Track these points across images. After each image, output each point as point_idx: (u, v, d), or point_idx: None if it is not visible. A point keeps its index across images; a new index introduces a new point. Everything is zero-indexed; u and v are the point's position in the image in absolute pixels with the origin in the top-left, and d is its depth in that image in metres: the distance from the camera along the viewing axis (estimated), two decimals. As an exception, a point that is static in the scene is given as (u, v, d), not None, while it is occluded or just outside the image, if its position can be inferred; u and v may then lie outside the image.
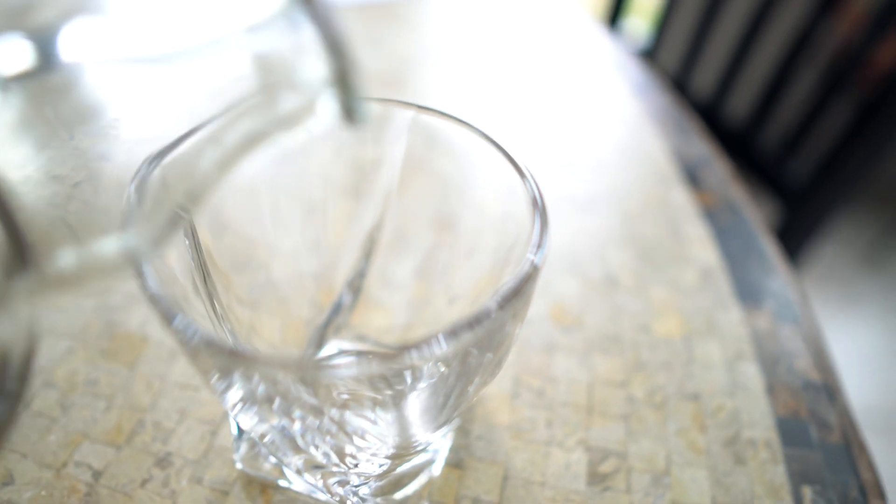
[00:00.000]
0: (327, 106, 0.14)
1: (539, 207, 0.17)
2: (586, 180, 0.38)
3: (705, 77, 0.81)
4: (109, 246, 0.14)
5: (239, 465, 0.24)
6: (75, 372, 0.27)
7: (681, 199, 0.37)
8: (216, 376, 0.16)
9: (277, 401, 0.16)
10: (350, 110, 0.14)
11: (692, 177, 0.39)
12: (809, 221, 0.77)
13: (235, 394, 0.16)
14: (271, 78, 0.14)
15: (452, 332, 0.14)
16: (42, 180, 0.13)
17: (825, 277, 1.32)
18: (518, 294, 0.15)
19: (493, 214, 0.22)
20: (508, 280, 0.17)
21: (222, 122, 0.14)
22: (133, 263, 0.15)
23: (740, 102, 0.80)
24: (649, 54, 0.87)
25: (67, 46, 0.12)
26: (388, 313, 0.27)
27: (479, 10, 0.58)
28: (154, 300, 0.15)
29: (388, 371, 0.15)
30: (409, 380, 0.16)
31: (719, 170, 0.40)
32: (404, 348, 0.14)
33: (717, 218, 0.36)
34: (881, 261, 1.37)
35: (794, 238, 0.78)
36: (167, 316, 0.14)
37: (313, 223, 0.26)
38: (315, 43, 0.13)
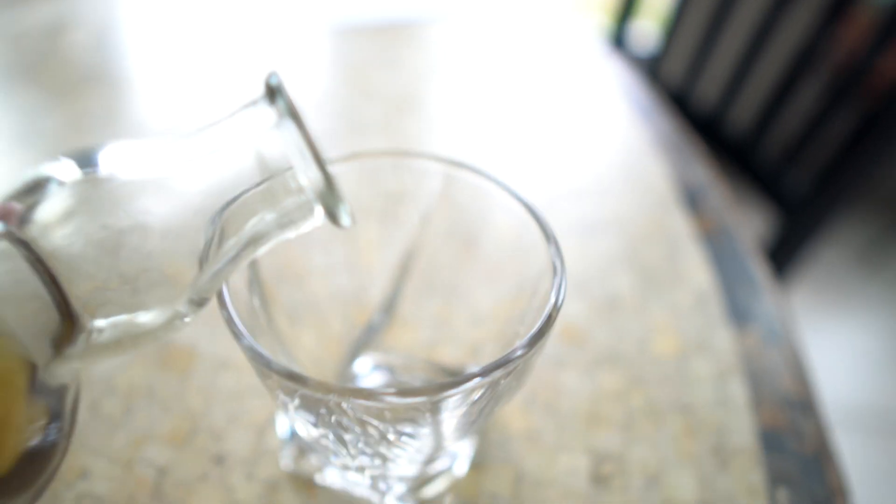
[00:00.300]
0: (319, 210, 0.17)
1: (558, 270, 0.21)
2: (592, 205, 0.41)
3: (711, 83, 0.83)
4: (153, 316, 0.16)
5: (285, 465, 0.27)
6: (134, 381, 0.30)
7: (680, 223, 0.40)
8: (282, 393, 0.19)
9: (333, 416, 0.19)
10: (333, 215, 0.17)
11: (692, 202, 0.42)
12: (808, 229, 0.80)
13: (297, 407, 0.19)
14: (270, 179, 0.16)
15: (487, 371, 0.18)
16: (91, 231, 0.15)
17: (823, 279, 1.35)
18: (542, 336, 0.19)
19: (512, 245, 0.25)
20: (534, 319, 0.20)
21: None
22: (217, 296, 0.18)
23: (744, 110, 0.82)
24: (657, 59, 0.90)
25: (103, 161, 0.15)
26: (415, 331, 0.30)
27: (489, 33, 0.61)
28: (238, 335, 0.18)
29: (429, 401, 0.18)
30: (446, 406, 0.19)
31: (717, 195, 0.43)
32: (446, 384, 0.18)
33: (713, 242, 0.39)
34: (878, 263, 1.40)
35: (793, 245, 0.81)
36: (250, 350, 0.18)
37: (346, 244, 0.29)
38: (301, 155, 0.16)
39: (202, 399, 0.30)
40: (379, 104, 0.50)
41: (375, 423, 0.19)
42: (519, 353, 0.18)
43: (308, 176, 0.16)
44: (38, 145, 0.44)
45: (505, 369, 0.18)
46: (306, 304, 0.27)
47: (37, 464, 0.16)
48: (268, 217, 0.16)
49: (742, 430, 0.30)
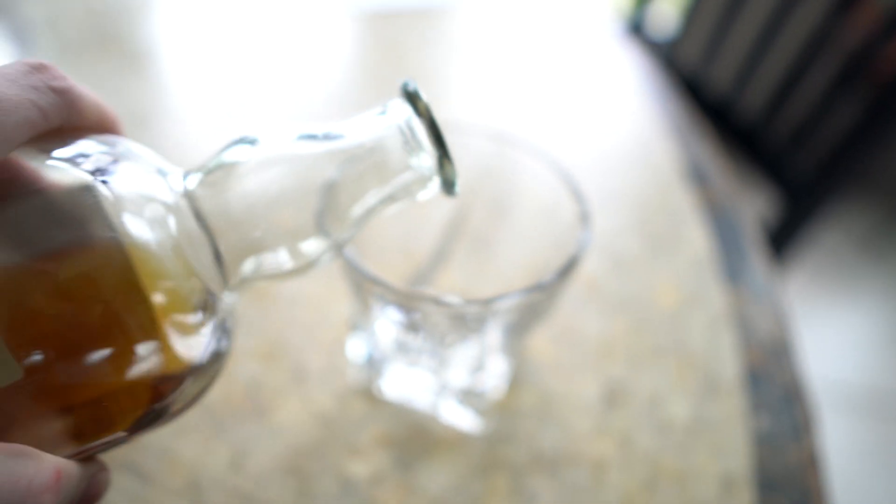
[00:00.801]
0: (434, 182, 0.22)
1: (586, 220, 0.27)
2: (606, 179, 0.47)
3: (725, 67, 0.88)
4: (301, 256, 0.22)
5: (353, 381, 0.33)
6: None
7: (684, 196, 0.46)
8: (375, 299, 0.25)
9: (414, 315, 0.25)
10: (447, 186, 0.22)
11: (696, 178, 0.48)
12: (810, 212, 0.84)
13: (388, 307, 0.25)
14: (382, 157, 0.21)
15: (528, 290, 0.24)
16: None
17: (826, 264, 1.40)
18: (572, 266, 0.25)
19: (548, 204, 0.31)
20: (564, 258, 0.26)
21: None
22: (335, 248, 0.24)
23: (755, 94, 0.87)
24: (675, 43, 0.94)
25: None
26: (460, 275, 0.36)
27: (510, 18, 0.66)
28: (353, 265, 0.24)
29: (485, 306, 0.24)
30: (493, 315, 0.25)
31: (719, 173, 0.49)
32: (496, 298, 0.24)
33: (713, 214, 0.45)
34: (880, 248, 1.44)
35: (795, 227, 0.86)
36: (362, 272, 0.24)
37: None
38: (425, 138, 0.21)
39: (280, 328, 0.36)
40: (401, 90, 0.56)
41: (440, 327, 0.25)
42: (552, 280, 0.24)
43: (437, 158, 0.21)
44: (120, 108, 0.50)
45: (541, 291, 0.24)
46: (375, 245, 0.33)
47: (216, 363, 0.21)
48: (388, 188, 0.21)
49: (729, 369, 0.36)
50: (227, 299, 0.22)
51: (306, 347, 0.35)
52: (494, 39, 0.63)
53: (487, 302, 0.24)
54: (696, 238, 0.43)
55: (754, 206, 1.23)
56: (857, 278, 1.40)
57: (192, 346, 0.19)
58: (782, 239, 0.86)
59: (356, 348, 0.33)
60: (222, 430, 0.31)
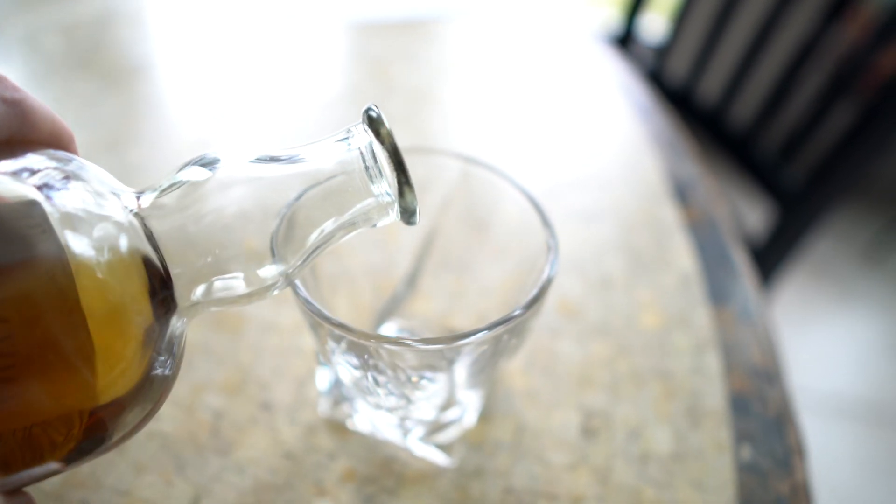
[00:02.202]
0: (394, 210, 0.21)
1: (553, 250, 0.25)
2: (590, 195, 0.46)
3: (716, 77, 0.87)
4: (249, 286, 0.21)
5: (322, 412, 0.32)
6: (192, 340, 0.35)
7: (670, 214, 0.45)
8: (331, 340, 0.24)
9: (371, 359, 0.24)
10: (407, 214, 0.21)
11: (681, 195, 0.47)
12: (806, 220, 0.83)
13: (344, 350, 0.24)
14: (340, 181, 0.20)
15: (491, 326, 0.23)
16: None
17: (823, 273, 1.39)
18: (537, 300, 0.24)
19: (516, 229, 0.30)
20: (532, 289, 0.25)
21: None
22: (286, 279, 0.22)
23: (746, 104, 0.86)
24: (664, 53, 0.93)
25: None
26: (433, 302, 0.35)
27: (501, 31, 0.65)
28: (304, 298, 0.23)
29: (448, 349, 0.23)
30: (459, 354, 0.24)
31: (705, 189, 0.47)
32: (459, 335, 0.22)
33: (699, 231, 0.44)
34: (880, 258, 1.43)
35: (790, 236, 0.85)
36: (312, 307, 0.23)
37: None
38: (387, 165, 0.20)
39: (251, 355, 0.35)
40: (400, 99, 0.55)
41: (403, 367, 0.24)
42: (518, 313, 0.23)
43: (398, 185, 0.20)
44: (96, 131, 0.49)
45: (506, 326, 0.23)
46: (343, 276, 0.32)
47: (159, 389, 0.20)
48: (347, 215, 0.21)
49: (714, 395, 0.35)
50: (177, 323, 0.21)
51: (275, 377, 0.34)
52: (481, 52, 0.62)
53: (451, 341, 0.23)
54: (681, 256, 0.42)
55: (745, 217, 1.22)
56: (856, 287, 1.38)
57: (133, 372, 0.18)
58: (775, 249, 0.85)
59: (324, 379, 0.32)
60: (184, 467, 0.30)
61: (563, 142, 0.51)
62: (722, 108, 0.88)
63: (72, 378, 0.17)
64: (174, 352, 0.21)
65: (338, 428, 0.32)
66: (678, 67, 0.93)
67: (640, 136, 0.52)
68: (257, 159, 0.20)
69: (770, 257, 0.86)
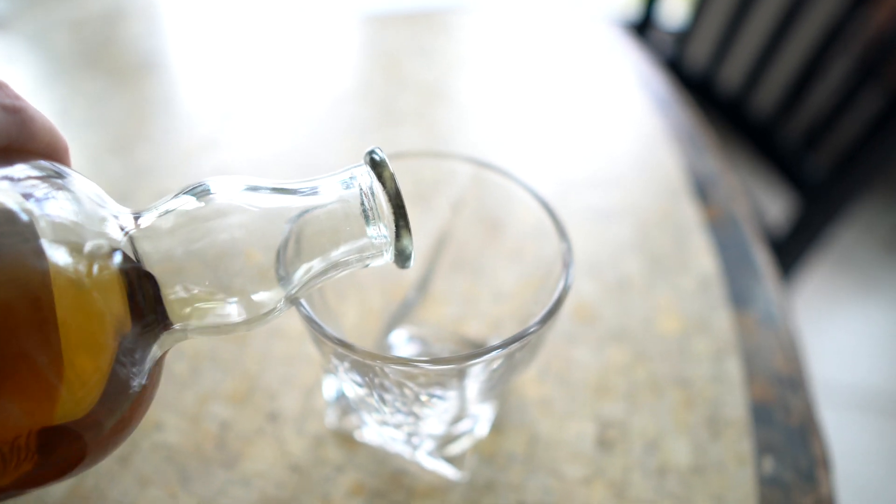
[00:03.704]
0: (389, 253, 0.21)
1: (568, 264, 0.24)
2: (608, 192, 0.45)
3: (738, 64, 0.85)
4: (253, 309, 0.20)
5: (330, 423, 0.31)
6: (199, 347, 0.35)
7: (690, 212, 0.43)
8: (335, 358, 0.23)
9: (376, 378, 0.23)
10: (402, 258, 0.21)
11: (702, 192, 0.45)
12: (829, 210, 0.81)
13: (347, 370, 0.23)
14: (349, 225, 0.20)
15: (505, 344, 0.22)
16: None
17: (844, 262, 1.36)
18: (551, 316, 0.22)
19: (530, 234, 0.28)
20: (547, 298, 0.24)
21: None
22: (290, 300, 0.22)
23: (770, 92, 0.83)
24: (685, 39, 0.91)
25: None
26: (445, 308, 0.34)
27: (515, 23, 0.63)
28: (308, 320, 0.22)
29: (457, 368, 0.22)
30: (470, 373, 0.23)
31: (727, 185, 0.46)
32: (470, 354, 0.21)
33: (720, 230, 0.42)
34: (904, 248, 1.40)
35: (813, 226, 0.83)
36: (312, 322, 0.22)
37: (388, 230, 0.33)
38: (387, 209, 0.20)
39: (258, 364, 0.34)
40: (412, 93, 0.54)
41: (411, 385, 0.23)
42: (532, 330, 0.22)
43: (396, 228, 0.20)
44: (102, 131, 0.48)
45: (520, 343, 0.22)
46: (351, 282, 0.31)
47: (118, 410, 0.19)
48: (339, 252, 0.20)
49: (735, 404, 0.33)
50: (156, 346, 0.20)
51: (282, 386, 0.33)
52: (495, 44, 0.61)
53: (461, 361, 0.22)
54: (701, 257, 0.41)
55: (767, 208, 1.19)
56: (879, 277, 1.35)
57: (96, 393, 0.18)
58: (798, 241, 0.83)
59: (331, 389, 0.31)
60: (189, 481, 0.30)
61: (579, 137, 0.50)
62: (744, 95, 0.85)
63: (38, 392, 0.16)
64: (148, 373, 0.20)
65: (346, 439, 0.31)
66: (699, 54, 0.91)
67: (658, 129, 0.50)
68: (255, 188, 0.20)
69: (793, 249, 0.84)
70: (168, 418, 0.32)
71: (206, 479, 0.30)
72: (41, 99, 0.51)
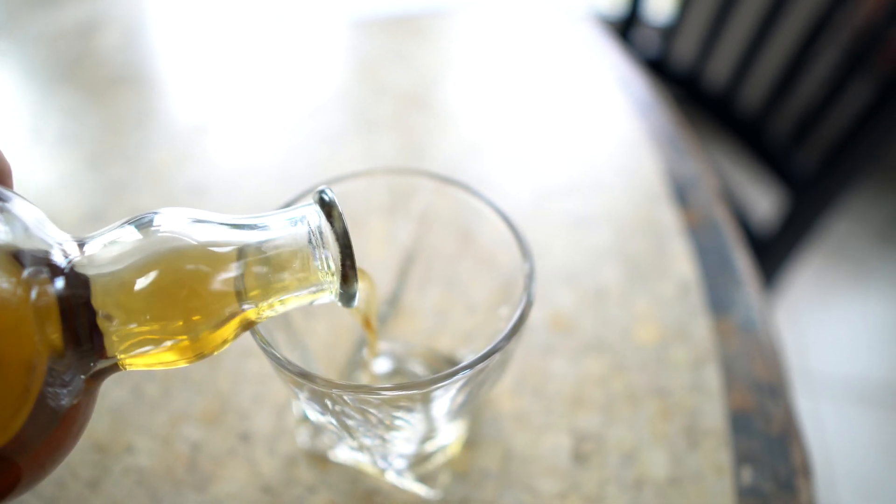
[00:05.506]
0: (334, 293, 0.21)
1: (530, 279, 0.24)
2: (585, 198, 0.44)
3: (724, 58, 0.84)
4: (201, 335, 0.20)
5: (302, 443, 0.31)
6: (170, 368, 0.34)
7: (669, 217, 0.43)
8: (293, 386, 0.23)
9: (336, 406, 0.23)
10: (347, 299, 0.21)
11: (681, 196, 0.45)
12: (818, 207, 0.80)
13: (306, 398, 0.23)
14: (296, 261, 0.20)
15: (471, 365, 0.21)
16: None
17: (838, 254, 1.36)
18: (518, 329, 0.22)
19: (495, 248, 0.28)
20: (514, 310, 0.23)
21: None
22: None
23: (757, 86, 0.83)
24: (670, 31, 0.90)
25: None
26: (416, 322, 0.33)
27: (495, 26, 0.63)
28: (263, 348, 0.22)
29: (420, 393, 0.22)
30: (434, 396, 0.23)
31: (706, 189, 0.45)
32: (432, 379, 0.21)
33: (699, 235, 0.42)
34: (896, 238, 1.40)
35: (801, 224, 0.82)
36: (272, 356, 0.21)
37: (356, 237, 0.32)
38: (334, 248, 0.20)
39: (230, 383, 0.34)
40: (390, 100, 0.53)
41: (373, 411, 0.23)
42: (492, 351, 0.22)
43: (343, 269, 0.20)
44: (78, 146, 0.48)
45: (485, 363, 0.21)
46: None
47: (34, 444, 0.19)
48: (283, 290, 0.20)
49: (713, 413, 0.33)
50: (100, 373, 0.20)
51: (254, 406, 0.33)
52: (474, 48, 0.60)
53: (424, 386, 0.21)
54: (680, 263, 0.40)
55: (756, 203, 1.19)
56: (873, 268, 1.35)
57: (18, 421, 0.17)
58: (788, 236, 0.83)
59: (300, 409, 0.31)
60: (159, 505, 0.29)
61: (558, 142, 0.49)
62: (732, 90, 0.85)
63: None
64: (77, 398, 0.19)
65: (318, 459, 0.31)
66: (685, 49, 0.90)
67: (638, 133, 0.50)
68: (203, 221, 0.20)
69: (783, 244, 0.83)
70: (139, 441, 0.31)
71: (177, 502, 0.29)
72: (14, 115, 0.51)
